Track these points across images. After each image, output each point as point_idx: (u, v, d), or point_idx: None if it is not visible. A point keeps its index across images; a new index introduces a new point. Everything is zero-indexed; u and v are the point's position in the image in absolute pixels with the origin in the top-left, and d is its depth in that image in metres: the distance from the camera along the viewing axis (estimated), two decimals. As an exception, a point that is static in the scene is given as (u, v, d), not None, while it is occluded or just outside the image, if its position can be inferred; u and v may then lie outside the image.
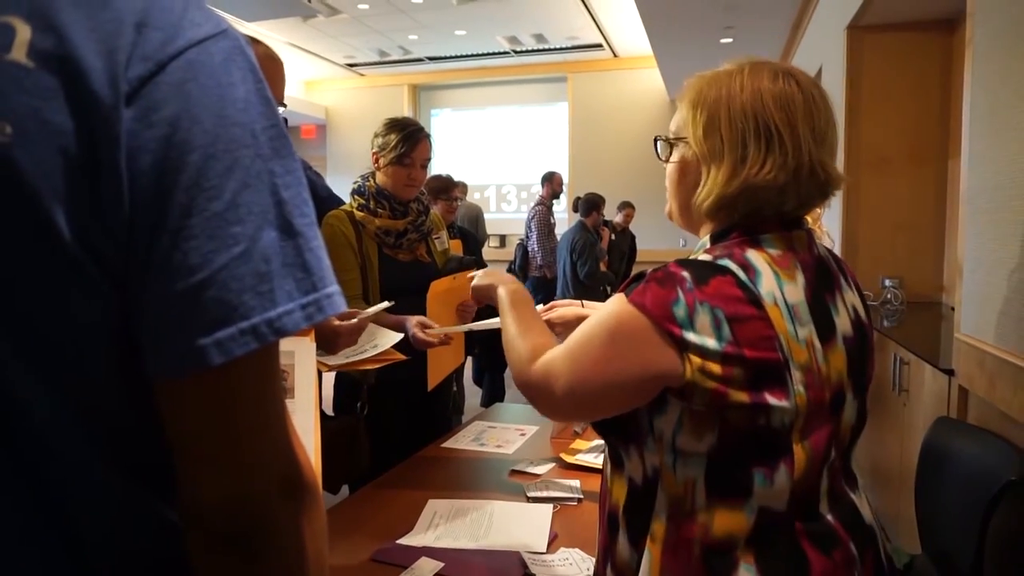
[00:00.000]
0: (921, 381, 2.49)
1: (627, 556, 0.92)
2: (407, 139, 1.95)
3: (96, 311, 0.43)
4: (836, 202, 4.18)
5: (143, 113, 0.42)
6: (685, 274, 0.85)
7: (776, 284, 0.86)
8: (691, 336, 0.82)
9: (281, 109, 2.13)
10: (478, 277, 1.31)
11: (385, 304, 1.71)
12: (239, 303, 0.42)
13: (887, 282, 3.80)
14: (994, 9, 1.88)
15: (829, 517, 0.89)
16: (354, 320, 1.57)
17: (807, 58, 5.62)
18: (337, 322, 1.54)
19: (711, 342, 0.81)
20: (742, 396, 0.82)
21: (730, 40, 6.12)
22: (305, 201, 0.47)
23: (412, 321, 1.78)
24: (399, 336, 1.68)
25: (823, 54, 4.83)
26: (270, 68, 1.53)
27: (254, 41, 1.54)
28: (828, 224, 4.61)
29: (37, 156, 0.40)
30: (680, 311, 0.82)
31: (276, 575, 0.47)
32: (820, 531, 0.88)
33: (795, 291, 0.87)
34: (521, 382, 0.99)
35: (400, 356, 1.66)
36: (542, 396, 0.95)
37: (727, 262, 0.86)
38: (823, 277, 0.92)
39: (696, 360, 0.82)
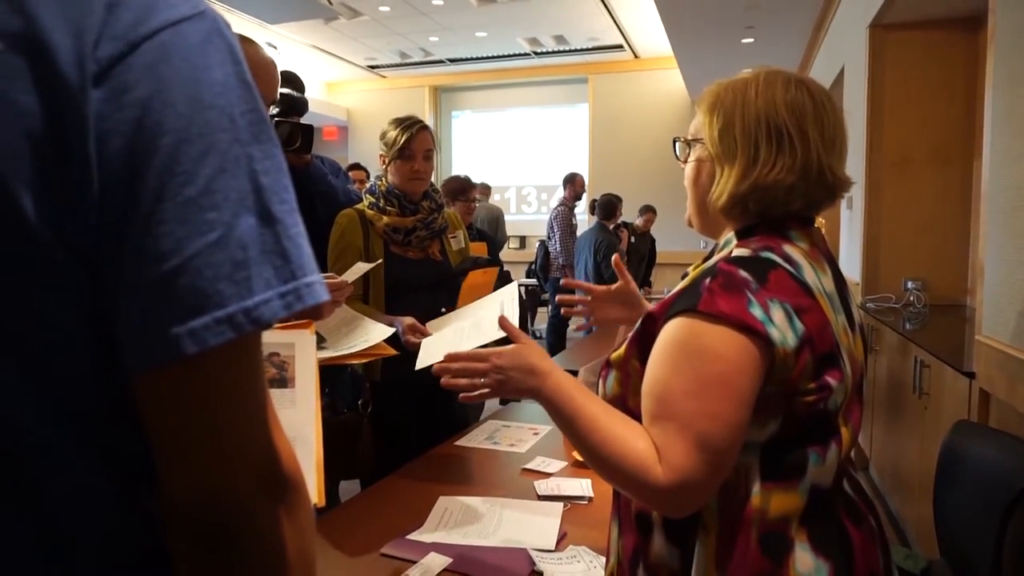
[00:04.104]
0: (942, 384, 2.45)
1: (664, 554, 0.92)
2: (405, 131, 1.98)
3: (69, 299, 0.42)
4: (858, 203, 4.13)
5: (113, 95, 0.41)
6: (744, 275, 0.86)
7: (815, 275, 0.91)
8: (774, 332, 0.84)
9: (302, 114, 2.15)
10: (505, 356, 1.02)
11: (370, 265, 1.75)
12: (214, 291, 0.41)
13: (910, 284, 3.75)
14: (1016, 6, 1.85)
15: (850, 492, 0.95)
16: (339, 280, 1.58)
17: (829, 58, 5.57)
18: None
19: (790, 335, 0.84)
20: (809, 382, 0.86)
21: (751, 40, 6.07)
22: (285, 187, 0.46)
23: (405, 322, 1.80)
24: (391, 330, 1.67)
25: (845, 54, 4.78)
26: (261, 70, 1.55)
27: (247, 41, 1.55)
28: (850, 225, 4.56)
29: (2, 138, 0.39)
30: (757, 311, 0.84)
31: (255, 571, 0.46)
32: (849, 505, 0.94)
33: (828, 282, 0.93)
34: (655, 499, 0.86)
35: (390, 351, 1.65)
36: (686, 496, 0.84)
37: (771, 255, 0.90)
38: (837, 270, 0.98)
39: (780, 353, 0.84)
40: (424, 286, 1.82)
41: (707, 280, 0.87)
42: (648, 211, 6.84)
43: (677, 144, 1.06)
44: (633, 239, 6.62)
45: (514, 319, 1.76)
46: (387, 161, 2.02)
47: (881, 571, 0.93)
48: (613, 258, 1.43)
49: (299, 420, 1.02)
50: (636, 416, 0.92)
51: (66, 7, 0.41)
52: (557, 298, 1.47)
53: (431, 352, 1.74)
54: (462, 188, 3.67)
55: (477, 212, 6.60)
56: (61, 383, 0.43)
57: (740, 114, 0.94)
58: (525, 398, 1.01)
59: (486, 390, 1.03)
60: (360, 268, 1.76)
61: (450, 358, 1.06)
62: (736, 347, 0.83)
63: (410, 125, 2.00)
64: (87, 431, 0.45)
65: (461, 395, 1.05)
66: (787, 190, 0.93)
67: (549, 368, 0.99)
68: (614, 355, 0.99)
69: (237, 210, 0.43)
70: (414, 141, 1.98)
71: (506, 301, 1.71)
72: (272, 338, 1.05)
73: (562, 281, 1.47)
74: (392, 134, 2.00)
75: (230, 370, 0.44)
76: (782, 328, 0.84)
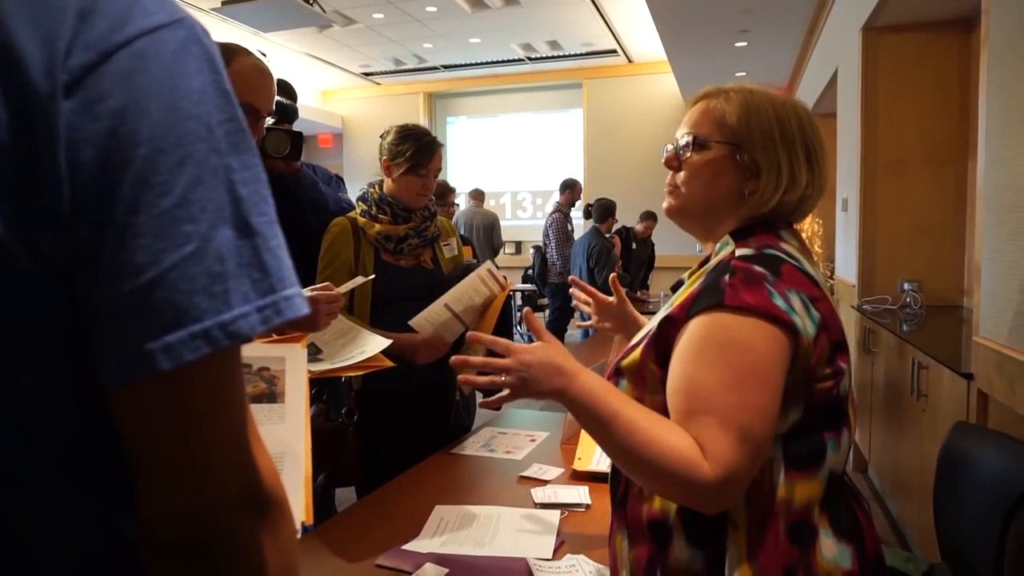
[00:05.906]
0: (940, 385, 2.44)
1: (686, 558, 0.92)
2: (423, 150, 1.93)
3: (42, 313, 0.41)
4: (853, 205, 4.13)
5: (85, 105, 0.39)
6: (760, 269, 0.91)
7: (812, 269, 0.97)
8: (797, 320, 0.88)
9: (296, 120, 2.13)
10: (530, 352, 0.95)
11: (362, 279, 1.76)
12: (190, 305, 0.40)
13: (906, 285, 3.74)
14: (1010, 7, 1.85)
15: (844, 476, 0.99)
16: (334, 291, 1.57)
17: (822, 61, 5.58)
18: (315, 292, 1.51)
19: (808, 323, 0.89)
20: (826, 367, 0.91)
21: (745, 44, 6.08)
22: (264, 199, 0.44)
23: (420, 343, 1.84)
24: (388, 342, 1.65)
25: (838, 56, 4.79)
26: (258, 80, 1.54)
27: (243, 52, 1.54)
28: (846, 227, 4.55)
29: None
30: (780, 302, 0.88)
31: None
32: (850, 488, 0.99)
33: (820, 275, 0.99)
34: (700, 495, 0.84)
35: (387, 363, 1.63)
36: (730, 489, 0.84)
37: (775, 252, 0.95)
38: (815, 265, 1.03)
39: (804, 341, 0.88)
40: (415, 294, 1.81)
41: (725, 277, 0.90)
42: (649, 217, 6.89)
43: (695, 138, 1.03)
44: (634, 245, 6.66)
45: (494, 287, 1.86)
46: (392, 171, 1.96)
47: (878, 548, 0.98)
48: (611, 277, 1.51)
49: (288, 435, 1.01)
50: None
51: (36, 16, 0.40)
52: (570, 278, 1.55)
53: (422, 325, 1.84)
54: (441, 192, 3.71)
55: (472, 217, 6.63)
56: (32, 401, 0.42)
57: (779, 126, 0.99)
58: (547, 400, 0.94)
59: (506, 392, 0.95)
60: (355, 281, 1.75)
61: (473, 339, 0.99)
62: (766, 337, 0.86)
63: (429, 142, 1.95)
64: (60, 450, 0.43)
65: (480, 401, 0.99)
66: (812, 202, 1.02)
67: (576, 368, 0.94)
68: (625, 362, 0.98)
69: (214, 222, 0.41)
70: (432, 160, 1.95)
71: (484, 277, 1.83)
72: (262, 352, 1.04)
73: (570, 278, 1.49)
74: (406, 148, 1.93)
75: (207, 385, 0.43)
76: (802, 316, 0.88)
